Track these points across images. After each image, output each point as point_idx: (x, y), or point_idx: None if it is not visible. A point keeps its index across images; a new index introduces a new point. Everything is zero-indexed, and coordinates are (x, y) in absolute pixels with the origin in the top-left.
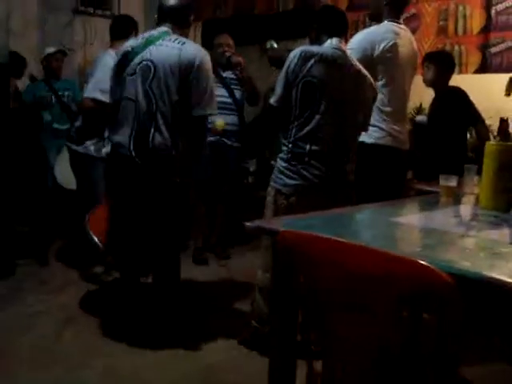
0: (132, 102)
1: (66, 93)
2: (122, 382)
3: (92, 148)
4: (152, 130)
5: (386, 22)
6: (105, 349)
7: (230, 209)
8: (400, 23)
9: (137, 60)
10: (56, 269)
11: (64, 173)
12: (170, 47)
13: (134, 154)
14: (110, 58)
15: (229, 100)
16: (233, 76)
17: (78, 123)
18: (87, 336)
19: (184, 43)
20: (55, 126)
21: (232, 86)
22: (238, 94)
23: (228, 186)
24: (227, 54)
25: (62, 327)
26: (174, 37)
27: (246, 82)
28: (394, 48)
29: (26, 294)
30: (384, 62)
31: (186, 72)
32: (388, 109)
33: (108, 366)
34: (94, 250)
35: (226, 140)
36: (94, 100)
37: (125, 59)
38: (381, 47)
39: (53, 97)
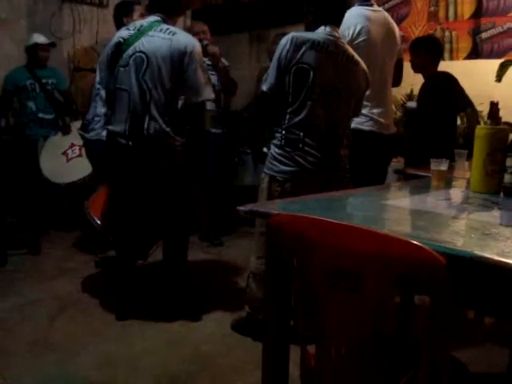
0: (126, 92)
1: (50, 81)
2: (118, 369)
3: (104, 133)
4: (147, 119)
5: (355, 6)
6: (100, 336)
7: (220, 196)
8: (371, 4)
9: (129, 51)
10: (48, 258)
11: (50, 167)
12: (161, 38)
13: (130, 142)
14: None
15: None
16: (208, 62)
17: (91, 112)
18: (82, 323)
19: (175, 33)
20: (40, 115)
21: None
22: (213, 79)
23: (214, 172)
24: (204, 42)
25: (56, 315)
26: (165, 27)
27: (224, 72)
28: (364, 32)
29: (19, 284)
30: (357, 46)
31: (178, 61)
32: (367, 93)
33: (104, 353)
34: (94, 231)
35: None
36: None
37: (117, 50)
38: (350, 32)
39: (37, 85)
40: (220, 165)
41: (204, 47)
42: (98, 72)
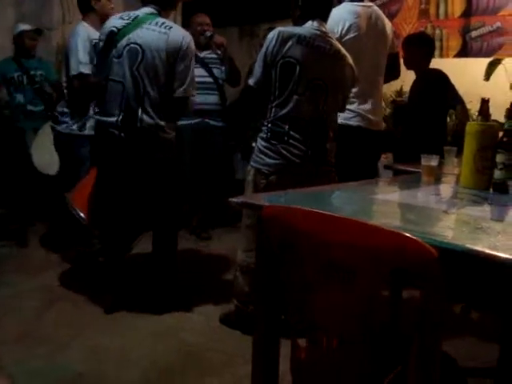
0: (119, 83)
1: (39, 72)
2: (107, 361)
3: (75, 126)
4: (139, 112)
5: (345, 2)
6: (88, 329)
7: (213, 190)
8: (362, 0)
9: (124, 42)
10: (36, 250)
11: (42, 158)
12: (157, 31)
13: (122, 133)
14: (83, 30)
15: (209, 79)
16: (212, 55)
17: (62, 104)
18: (70, 316)
19: (171, 28)
20: (29, 107)
21: (210, 66)
22: (216, 72)
23: (214, 166)
24: (208, 33)
25: (44, 308)
26: (160, 21)
27: (228, 62)
28: (354, 29)
29: (8, 275)
30: (345, 43)
31: (173, 56)
32: (354, 89)
33: (93, 345)
34: (78, 225)
35: (209, 121)
36: (81, 74)
37: (110, 40)
38: (339, 29)
39: (24, 77)
40: (222, 159)
41: (209, 38)
42: (63, 64)
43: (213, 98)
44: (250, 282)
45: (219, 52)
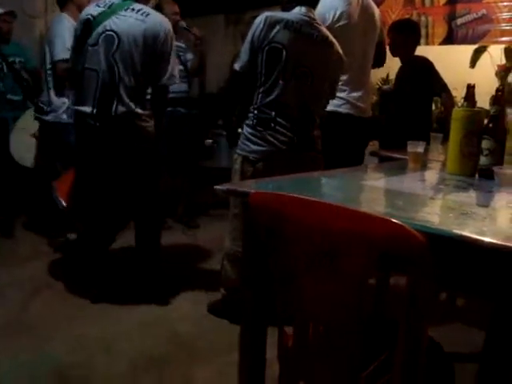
0: (94, 72)
1: (18, 59)
2: (93, 352)
3: (64, 116)
4: (115, 101)
5: None
6: (74, 319)
7: (193, 177)
8: None
9: (99, 30)
10: (21, 241)
11: (19, 149)
12: (133, 18)
13: (97, 123)
14: (65, 20)
15: (180, 67)
16: (178, 43)
17: (44, 95)
18: (55, 307)
19: (148, 14)
20: (9, 96)
21: (178, 53)
22: (183, 59)
23: (187, 154)
24: (183, 23)
25: (29, 298)
26: (137, 7)
27: (200, 55)
28: (345, 16)
29: None
30: (336, 30)
31: (151, 44)
32: (344, 77)
33: (79, 335)
34: (61, 215)
35: (181, 109)
36: (66, 60)
37: (86, 28)
38: (331, 16)
39: (4, 65)
40: (191, 146)
41: (183, 29)
42: (47, 51)
43: (184, 86)
44: (237, 270)
45: (190, 42)
